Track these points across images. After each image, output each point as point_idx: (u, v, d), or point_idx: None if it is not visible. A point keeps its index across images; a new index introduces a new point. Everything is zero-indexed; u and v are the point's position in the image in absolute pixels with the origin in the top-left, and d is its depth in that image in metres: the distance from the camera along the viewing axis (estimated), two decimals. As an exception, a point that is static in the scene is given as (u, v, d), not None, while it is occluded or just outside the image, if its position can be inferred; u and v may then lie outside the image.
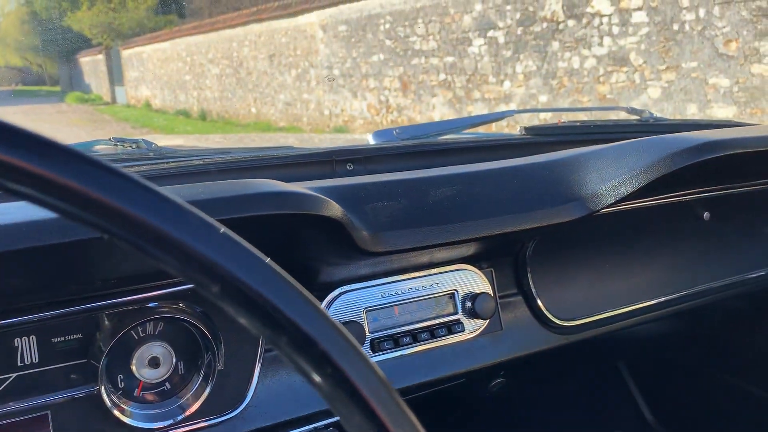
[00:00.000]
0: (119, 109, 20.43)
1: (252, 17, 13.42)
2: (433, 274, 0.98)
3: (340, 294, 0.92)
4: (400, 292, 0.96)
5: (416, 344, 0.95)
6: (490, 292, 1.02)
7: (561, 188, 0.92)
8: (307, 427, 0.88)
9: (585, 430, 1.76)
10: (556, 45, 7.52)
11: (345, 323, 0.90)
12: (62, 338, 0.77)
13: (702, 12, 6.02)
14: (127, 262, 0.72)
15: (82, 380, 0.77)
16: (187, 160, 1.04)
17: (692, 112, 6.27)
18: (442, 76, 9.27)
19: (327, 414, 0.88)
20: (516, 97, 8.16)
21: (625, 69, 6.81)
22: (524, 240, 1.03)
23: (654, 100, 6.58)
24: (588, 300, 1.14)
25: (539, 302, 1.08)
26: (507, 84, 8.28)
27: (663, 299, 1.22)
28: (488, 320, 1.02)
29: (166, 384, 0.83)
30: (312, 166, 1.08)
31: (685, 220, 1.24)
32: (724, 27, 5.87)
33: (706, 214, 1.24)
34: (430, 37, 9.33)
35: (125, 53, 21.23)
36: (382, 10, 10.11)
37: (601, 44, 7.01)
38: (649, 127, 1.38)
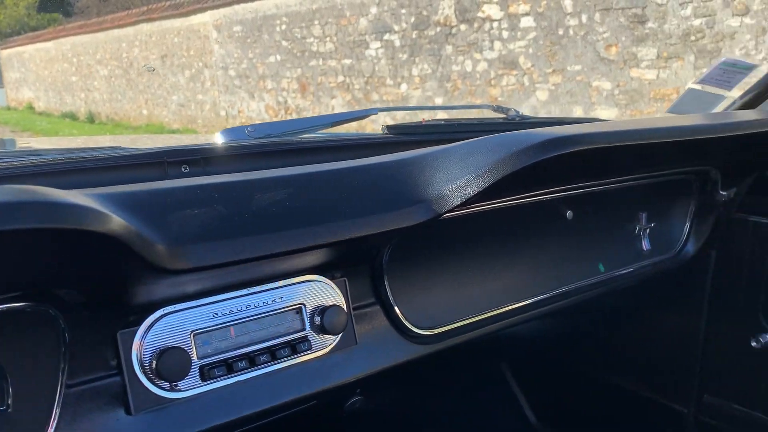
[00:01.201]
0: (-3, 112, 18.98)
1: (142, 17, 12.82)
2: (277, 288, 0.89)
3: (163, 316, 0.80)
4: (236, 311, 0.85)
5: (254, 368, 0.85)
6: (343, 304, 0.93)
7: (405, 190, 0.84)
8: None
9: None
10: (449, 49, 7.63)
11: (166, 350, 0.79)
12: None
13: (584, 17, 6.27)
14: None
15: None
16: None
17: (578, 114, 6.52)
18: (341, 78, 9.21)
19: None
20: (413, 100, 8.22)
21: (514, 72, 7.00)
22: (379, 246, 0.96)
23: (542, 102, 6.80)
24: (451, 306, 1.08)
25: (398, 311, 1.01)
26: (404, 86, 8.33)
27: (530, 301, 1.18)
28: (340, 335, 0.93)
29: None
30: (140, 169, 0.96)
31: (549, 219, 1.21)
32: (604, 32, 6.14)
33: (569, 213, 1.21)
34: (327, 39, 9.25)
35: (4, 53, 19.81)
36: (277, 11, 9.92)
37: (492, 48, 7.17)
38: (513, 125, 1.35)
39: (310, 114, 9.85)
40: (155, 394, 0.79)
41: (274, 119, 10.48)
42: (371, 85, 8.79)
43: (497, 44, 7.14)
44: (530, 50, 6.82)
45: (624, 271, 1.33)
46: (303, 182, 0.81)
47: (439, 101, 7.89)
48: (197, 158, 1.00)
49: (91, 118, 15.03)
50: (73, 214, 0.54)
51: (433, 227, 0.92)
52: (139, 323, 0.79)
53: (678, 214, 1.40)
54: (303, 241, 0.74)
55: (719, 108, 1.40)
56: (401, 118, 8.35)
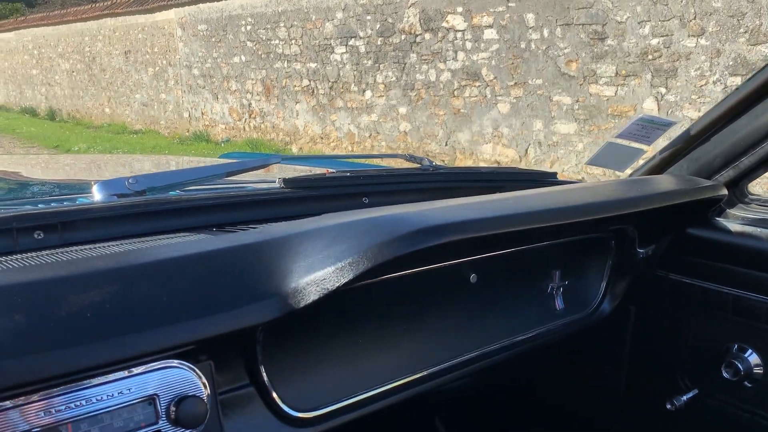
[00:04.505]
0: (-48, 105, 18.40)
1: (106, 11, 12.53)
2: (125, 378, 0.80)
3: None
4: (75, 406, 0.77)
5: None
6: (204, 393, 0.85)
7: (259, 280, 0.77)
8: None
9: None
10: (414, 57, 7.58)
11: None
12: None
13: (546, 32, 6.27)
14: None
15: None
16: None
17: (538, 128, 6.52)
18: (306, 82, 9.10)
19: None
20: (377, 108, 8.15)
21: (477, 83, 6.97)
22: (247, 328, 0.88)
23: (504, 115, 6.79)
24: (339, 383, 1.01)
25: (274, 394, 0.93)
26: (368, 93, 8.26)
27: (430, 371, 1.11)
28: (201, 426, 0.85)
29: None
30: None
31: (451, 283, 1.15)
32: (565, 48, 6.15)
33: (473, 276, 1.15)
34: (293, 42, 9.13)
35: (-38, 42, 19.21)
36: (243, 12, 9.77)
37: (455, 58, 7.14)
38: (426, 176, 1.29)
39: (274, 118, 9.71)
40: None
41: (238, 122, 10.32)
42: (336, 91, 8.70)
43: (461, 54, 7.11)
44: (493, 62, 6.80)
45: (535, 332, 1.27)
46: (133, 276, 0.72)
47: (402, 110, 7.84)
48: (53, 223, 0.91)
49: (51, 115, 14.64)
50: None
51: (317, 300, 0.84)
52: None
53: (594, 272, 1.35)
54: (118, 352, 0.66)
55: (638, 162, 1.36)
56: (366, 124, 8.26)
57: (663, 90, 5.54)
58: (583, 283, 1.35)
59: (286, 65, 9.35)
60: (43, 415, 0.75)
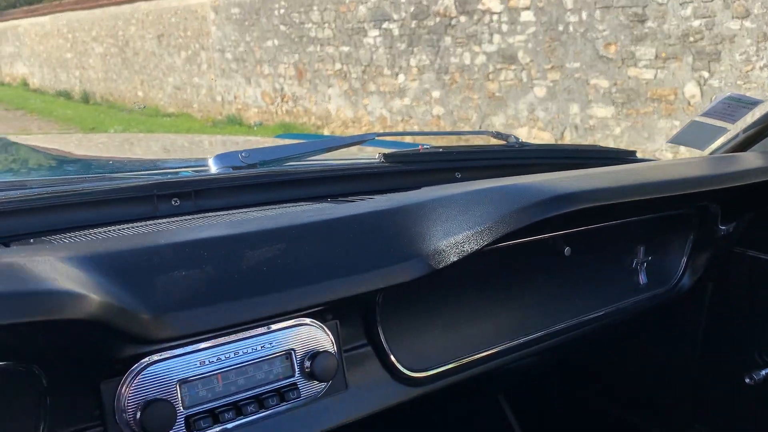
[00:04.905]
0: (-10, 88, 18.77)
1: (139, -5, 12.66)
2: (266, 333, 0.86)
3: (148, 365, 0.78)
4: (224, 358, 0.83)
5: (241, 417, 0.83)
6: (333, 349, 0.91)
7: (401, 243, 0.82)
8: None
9: None
10: (448, 40, 7.57)
11: (150, 402, 0.76)
12: None
13: (585, 15, 6.22)
14: None
15: None
16: None
17: (574, 112, 6.49)
18: (338, 66, 9.13)
19: None
20: (410, 92, 8.16)
21: (513, 67, 6.95)
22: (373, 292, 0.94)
23: (540, 98, 6.77)
24: (445, 347, 1.06)
25: (390, 355, 0.99)
26: (402, 77, 8.26)
27: (525, 339, 1.16)
28: (331, 381, 0.91)
29: None
30: (128, 204, 0.93)
31: (546, 256, 1.19)
32: (604, 30, 6.10)
33: (567, 250, 1.20)
34: (326, 25, 9.15)
35: (-2, 26, 19.54)
36: (276, -5, 9.81)
37: (491, 41, 7.12)
38: (513, 153, 1.33)
39: (306, 102, 9.77)
40: None
41: (270, 106, 10.40)
42: (368, 75, 8.72)
43: (497, 37, 7.08)
44: (529, 45, 6.77)
45: (621, 305, 1.31)
46: (295, 236, 0.78)
47: (436, 94, 7.84)
48: (188, 191, 0.97)
49: (85, 98, 14.87)
50: (50, 302, 0.52)
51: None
52: (123, 373, 0.77)
53: (676, 248, 1.39)
54: (296, 302, 0.72)
55: (720, 141, 1.38)
56: (399, 108, 8.29)
57: (706, 74, 5.48)
58: (665, 258, 1.38)
59: (318, 49, 9.38)
60: (198, 365, 0.82)
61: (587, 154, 1.42)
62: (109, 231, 0.87)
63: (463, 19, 7.37)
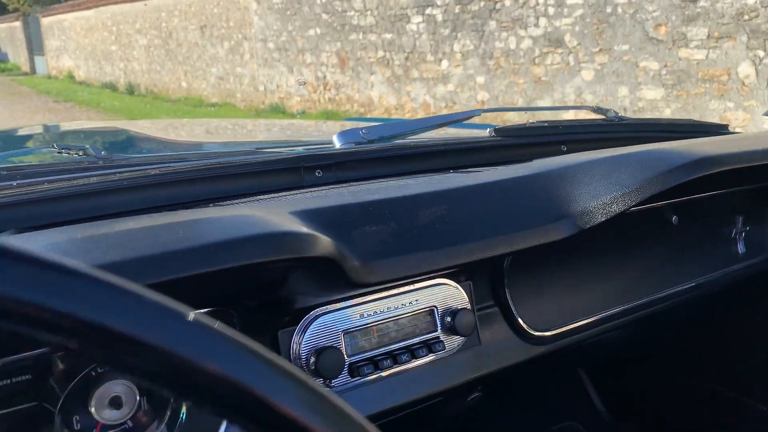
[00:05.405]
0: (39, 81, 19.32)
1: (182, -13, 12.87)
2: (412, 291, 0.94)
3: (317, 317, 0.86)
4: (378, 312, 0.91)
5: (396, 365, 0.91)
6: (469, 307, 0.98)
7: (550, 205, 0.88)
8: None
9: (539, 422, 1.77)
10: (493, 24, 7.55)
11: (323, 349, 0.85)
12: (8, 381, 0.69)
13: (635, -4, 6.15)
14: None
15: (32, 426, 0.69)
16: (141, 170, 0.95)
17: (623, 95, 6.43)
18: (381, 53, 9.17)
19: None
20: (454, 78, 8.17)
21: (560, 50, 6.91)
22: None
23: (587, 82, 6.72)
24: (563, 308, 1.13)
25: (516, 314, 1.05)
26: (445, 63, 8.27)
27: (634, 304, 1.21)
28: (468, 337, 0.99)
29: (128, 422, 0.76)
30: (278, 175, 1.01)
31: (655, 224, 1.24)
32: (654, 11, 6.02)
33: (674, 218, 1.24)
34: (368, 13, 9.19)
35: (45, 21, 20.03)
36: (318, -16, 9.88)
37: (537, 25, 7.08)
38: (614, 127, 1.38)
39: (349, 90, 9.85)
40: None
41: (312, 94, 10.51)
42: (411, 61, 8.75)
43: (543, 21, 7.04)
44: (576, 28, 6.71)
45: (721, 273, 1.35)
46: (455, 197, 0.86)
47: (480, 80, 7.84)
48: (330, 164, 1.05)
49: (130, 90, 15.21)
50: (303, 242, 0.59)
51: None
52: (295, 323, 0.85)
53: None
54: (469, 255, 0.79)
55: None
56: (442, 94, 8.30)
57: (761, 53, 5.38)
58: (761, 228, 1.42)
59: (361, 37, 9.43)
60: (358, 317, 0.90)
61: (683, 128, 1.46)
62: (272, 198, 0.96)
63: (508, 2, 7.34)
